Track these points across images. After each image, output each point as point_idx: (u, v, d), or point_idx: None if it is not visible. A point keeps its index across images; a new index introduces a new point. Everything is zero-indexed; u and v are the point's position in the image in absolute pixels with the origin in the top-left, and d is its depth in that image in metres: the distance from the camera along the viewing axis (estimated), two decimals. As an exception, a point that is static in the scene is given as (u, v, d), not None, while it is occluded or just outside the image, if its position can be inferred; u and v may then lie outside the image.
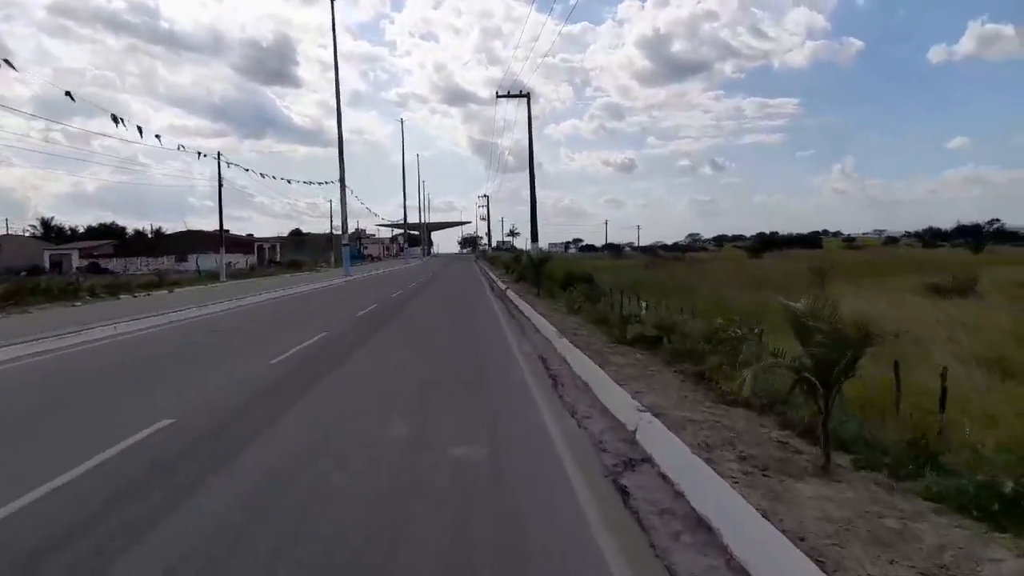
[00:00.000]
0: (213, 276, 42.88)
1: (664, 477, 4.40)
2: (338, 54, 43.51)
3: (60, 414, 6.71)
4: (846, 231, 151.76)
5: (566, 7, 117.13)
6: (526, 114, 32.46)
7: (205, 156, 38.45)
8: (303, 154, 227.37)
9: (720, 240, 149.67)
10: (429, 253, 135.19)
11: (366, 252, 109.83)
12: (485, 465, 4.72)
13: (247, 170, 45.01)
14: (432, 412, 6.41)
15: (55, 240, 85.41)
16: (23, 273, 46.29)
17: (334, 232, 62.19)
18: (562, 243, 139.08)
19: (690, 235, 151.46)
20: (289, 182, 45.49)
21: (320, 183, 45.28)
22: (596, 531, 3.60)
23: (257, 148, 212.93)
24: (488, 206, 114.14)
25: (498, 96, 33.95)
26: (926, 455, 4.24)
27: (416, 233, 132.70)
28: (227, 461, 4.87)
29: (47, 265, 64.59)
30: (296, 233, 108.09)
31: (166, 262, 67.97)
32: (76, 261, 69.15)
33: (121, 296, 27.58)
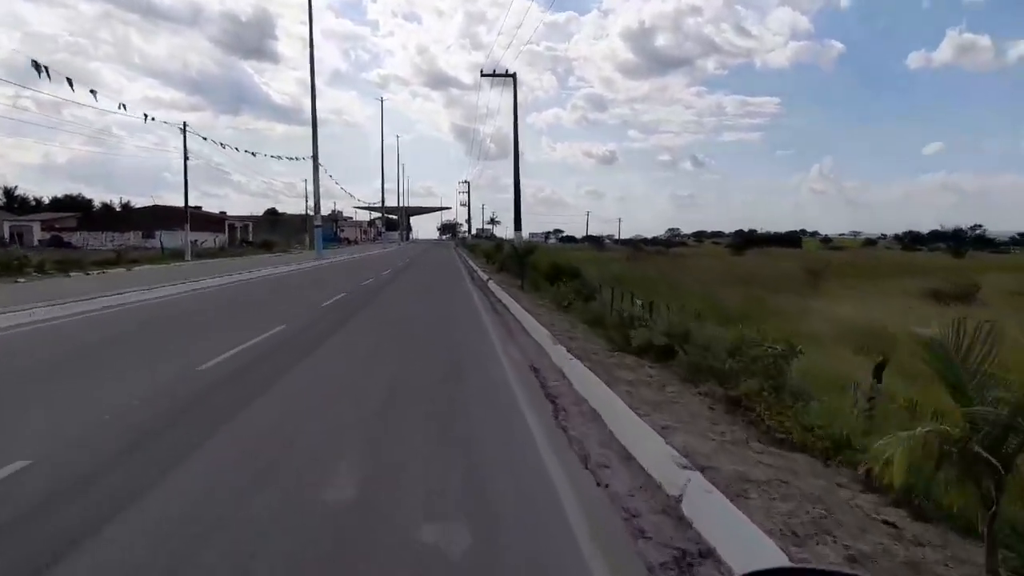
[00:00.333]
0: (178, 255, 40.62)
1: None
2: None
3: None
4: (823, 231, 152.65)
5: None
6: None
7: (158, 122, 36.08)
8: (280, 132, 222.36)
9: (700, 235, 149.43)
10: (407, 238, 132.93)
11: (342, 235, 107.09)
12: (468, 561, 3.17)
13: (205, 139, 42.38)
14: (393, 459, 4.65)
15: (18, 211, 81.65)
16: (-25, 244, 43.54)
17: (309, 213, 59.83)
18: (542, 233, 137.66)
19: (669, 229, 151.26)
20: (254, 155, 42.44)
21: (290, 158, 43.16)
22: None
23: (234, 124, 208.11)
24: (469, 192, 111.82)
25: (483, 75, 32.08)
26: None
27: (395, 217, 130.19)
28: (78, 542, 3.27)
29: (6, 237, 61.37)
30: (272, 213, 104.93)
31: (132, 238, 64.99)
32: (38, 234, 65.95)
33: (72, 274, 25.51)
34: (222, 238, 69.80)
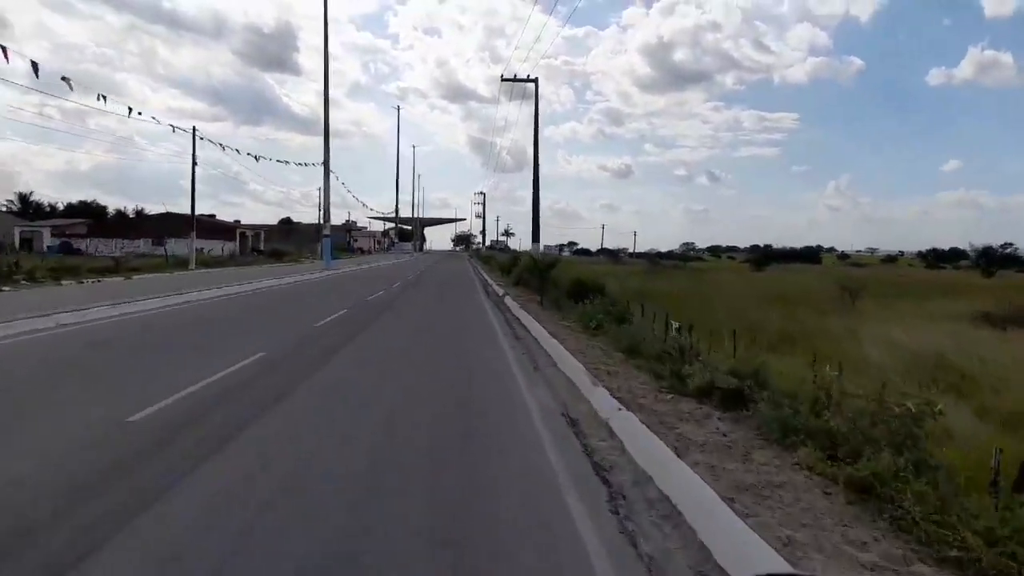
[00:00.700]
0: (182, 263, 39.35)
1: None
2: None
3: None
4: (838, 247, 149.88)
5: (571, 9, 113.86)
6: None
7: (178, 132, 34.97)
8: (299, 143, 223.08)
9: (715, 250, 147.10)
10: (421, 249, 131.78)
11: (355, 245, 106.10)
12: None
13: (224, 147, 41.11)
14: None
15: (31, 217, 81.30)
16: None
17: (322, 222, 58.65)
18: (556, 245, 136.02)
19: (684, 244, 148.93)
20: (256, 159, 41.09)
21: (299, 163, 41.81)
22: None
23: (254, 135, 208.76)
24: (484, 203, 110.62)
25: (503, 79, 30.58)
26: None
27: (409, 228, 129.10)
28: None
29: (17, 242, 60.59)
30: (286, 222, 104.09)
31: (143, 245, 64.12)
32: (48, 240, 65.21)
33: (64, 282, 24.14)
34: (231, 246, 68.68)
